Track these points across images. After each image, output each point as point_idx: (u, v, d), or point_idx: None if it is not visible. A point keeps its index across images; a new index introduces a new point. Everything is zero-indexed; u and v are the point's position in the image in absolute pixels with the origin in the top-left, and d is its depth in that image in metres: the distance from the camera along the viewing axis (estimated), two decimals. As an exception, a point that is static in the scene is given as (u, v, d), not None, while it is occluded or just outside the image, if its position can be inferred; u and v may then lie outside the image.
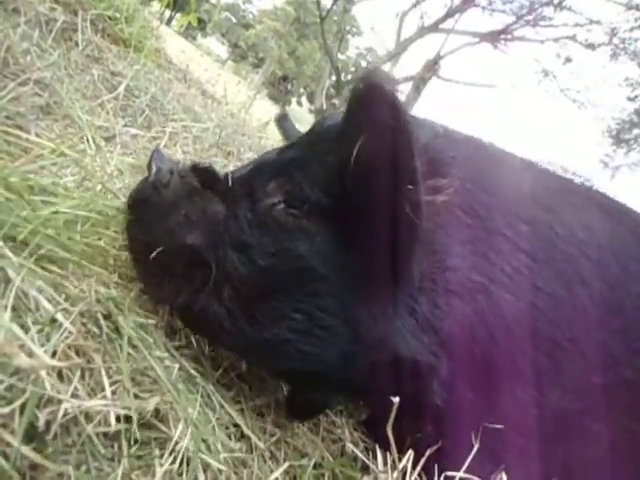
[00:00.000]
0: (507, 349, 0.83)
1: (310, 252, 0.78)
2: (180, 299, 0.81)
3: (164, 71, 2.10)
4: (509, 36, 10.64)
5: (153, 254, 0.80)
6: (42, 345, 0.57)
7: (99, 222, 0.88)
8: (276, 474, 0.75)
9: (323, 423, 0.99)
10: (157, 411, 0.66)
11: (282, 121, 1.27)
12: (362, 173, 0.72)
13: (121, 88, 1.50)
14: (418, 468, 0.74)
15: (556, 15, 10.14)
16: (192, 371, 0.81)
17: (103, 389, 0.60)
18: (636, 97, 11.12)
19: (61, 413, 0.53)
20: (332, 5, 10.20)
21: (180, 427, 0.66)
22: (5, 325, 0.54)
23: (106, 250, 0.86)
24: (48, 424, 0.52)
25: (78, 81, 1.38)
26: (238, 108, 2.57)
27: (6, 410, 0.49)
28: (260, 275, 0.79)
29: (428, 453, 0.77)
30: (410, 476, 0.72)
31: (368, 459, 0.80)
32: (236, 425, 0.81)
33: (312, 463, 0.85)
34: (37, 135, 1.01)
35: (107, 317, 0.72)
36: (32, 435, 0.51)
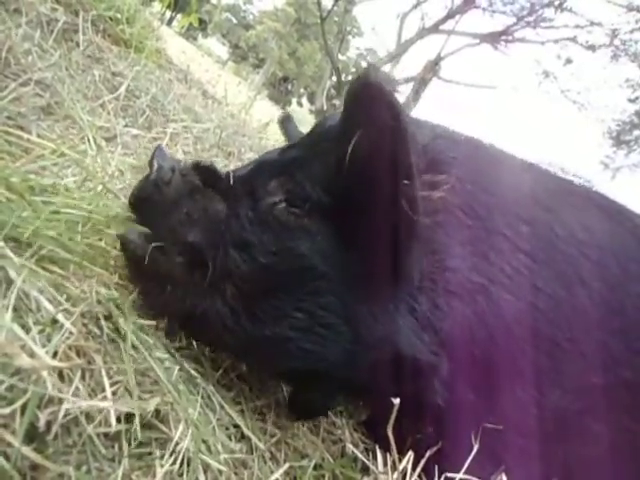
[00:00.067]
0: (507, 349, 0.83)
1: (311, 251, 0.78)
2: (184, 304, 0.80)
3: (165, 72, 2.11)
4: (510, 37, 10.64)
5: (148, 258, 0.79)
6: (43, 346, 0.57)
7: (100, 222, 0.88)
8: (276, 475, 0.75)
9: (323, 424, 0.99)
10: (157, 412, 0.66)
11: (285, 122, 1.28)
12: (359, 169, 0.73)
13: (122, 89, 1.50)
14: (418, 469, 0.74)
15: (557, 16, 10.15)
16: (192, 372, 0.81)
17: (104, 390, 0.60)
18: (637, 98, 11.12)
19: (62, 413, 0.53)
20: (333, 6, 10.21)
21: (180, 428, 0.66)
22: (6, 325, 0.54)
23: (107, 251, 0.86)
24: (49, 424, 0.52)
25: (79, 81, 1.38)
26: (239, 109, 2.57)
27: (7, 410, 0.49)
28: (261, 273, 0.79)
29: (428, 454, 0.77)
30: (410, 477, 0.72)
31: (368, 460, 0.80)
32: (236, 426, 0.81)
33: (312, 464, 0.85)
34: (38, 135, 1.01)
35: (108, 318, 0.72)
36: (33, 435, 0.51)
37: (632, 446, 0.88)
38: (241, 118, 2.45)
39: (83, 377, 0.60)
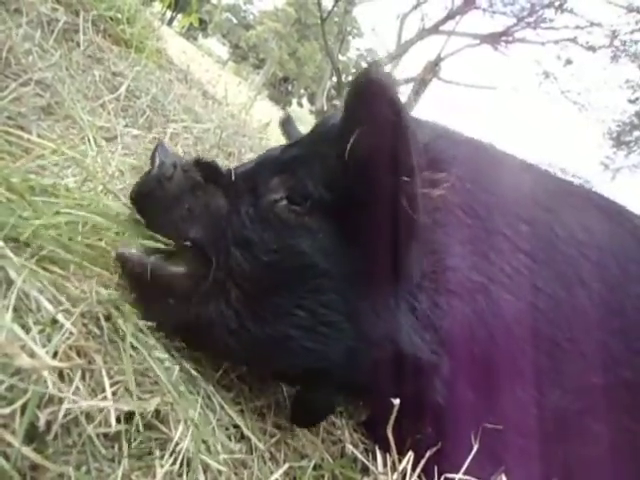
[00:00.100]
0: (506, 349, 0.83)
1: (312, 248, 0.78)
2: (188, 315, 0.80)
3: (165, 72, 2.11)
4: (510, 38, 10.65)
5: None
6: (43, 346, 0.57)
7: (100, 223, 0.88)
8: (276, 475, 0.76)
9: (323, 424, 0.99)
10: (157, 412, 0.66)
11: (286, 124, 1.28)
12: (359, 166, 0.73)
13: (122, 89, 1.50)
14: (418, 469, 0.74)
15: (557, 17, 10.16)
16: (192, 372, 0.81)
17: (104, 390, 0.61)
18: (637, 99, 11.13)
19: (62, 413, 0.53)
20: (333, 6, 10.21)
21: (180, 428, 0.66)
22: (6, 325, 0.54)
23: (107, 251, 0.86)
24: (49, 424, 0.52)
25: (79, 82, 1.38)
26: (239, 109, 2.57)
27: (7, 410, 0.49)
28: (263, 271, 0.79)
29: (428, 455, 0.77)
30: (410, 477, 0.72)
31: (368, 460, 0.80)
32: (236, 426, 0.81)
33: (312, 464, 0.85)
34: (38, 135, 1.01)
35: (108, 318, 0.72)
36: (33, 435, 0.51)
37: (632, 446, 0.88)
38: (241, 118, 2.45)
39: (83, 377, 0.60)
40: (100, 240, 0.86)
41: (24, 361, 0.50)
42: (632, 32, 9.63)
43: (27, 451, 0.49)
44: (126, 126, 1.40)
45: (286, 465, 0.79)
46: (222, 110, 2.32)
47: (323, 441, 0.95)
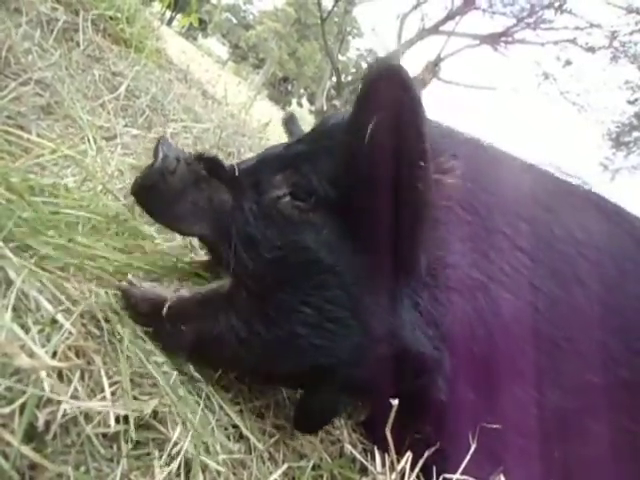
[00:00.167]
0: (505, 348, 0.84)
1: (317, 244, 0.78)
2: (200, 334, 0.80)
3: (165, 71, 2.11)
4: (509, 38, 10.66)
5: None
6: (43, 346, 0.57)
7: (100, 223, 0.88)
8: (275, 475, 0.75)
9: (322, 424, 0.99)
10: (156, 412, 0.66)
11: (289, 122, 1.28)
12: (376, 152, 0.72)
13: (122, 88, 1.50)
14: (416, 469, 0.74)
15: (557, 18, 10.18)
16: (191, 372, 0.81)
17: (103, 390, 0.61)
18: (636, 100, 11.14)
19: (60, 413, 0.53)
20: (333, 6, 10.22)
21: (179, 428, 0.66)
22: (6, 325, 0.54)
23: (107, 251, 0.86)
24: (48, 424, 0.52)
25: (79, 81, 1.38)
26: (238, 109, 2.58)
27: (6, 410, 0.49)
28: (266, 268, 0.79)
29: (427, 454, 0.77)
30: (408, 477, 0.72)
31: (367, 460, 0.80)
32: (235, 426, 0.81)
33: (311, 464, 0.85)
34: (38, 135, 1.01)
35: (107, 319, 0.72)
36: (32, 435, 0.51)
37: (631, 447, 0.88)
38: (241, 118, 2.45)
39: (82, 377, 0.60)
40: (100, 240, 0.86)
41: (23, 361, 0.50)
42: (631, 33, 9.65)
43: (26, 450, 0.49)
44: (126, 126, 1.40)
45: (285, 465, 0.79)
46: (222, 110, 2.33)
47: (322, 441, 0.95)
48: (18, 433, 0.48)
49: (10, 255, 0.63)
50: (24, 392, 0.51)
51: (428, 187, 0.72)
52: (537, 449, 0.85)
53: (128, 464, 0.58)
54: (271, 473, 0.77)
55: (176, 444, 0.65)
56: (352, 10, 13.81)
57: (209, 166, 0.87)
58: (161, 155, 0.85)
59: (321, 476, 0.85)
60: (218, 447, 0.71)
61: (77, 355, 0.62)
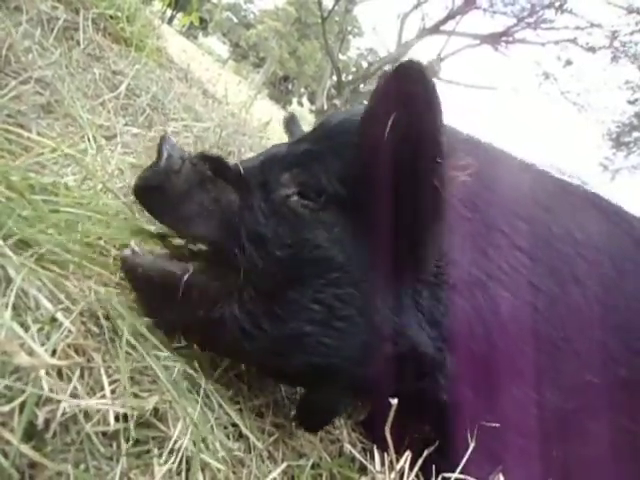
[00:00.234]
0: (503, 347, 0.84)
1: (328, 241, 0.78)
2: (198, 314, 0.79)
3: (165, 70, 2.11)
4: (510, 38, 10.65)
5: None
6: (42, 344, 0.57)
7: (100, 221, 0.88)
8: (274, 474, 0.76)
9: (321, 423, 0.99)
10: (156, 410, 0.66)
11: (290, 123, 1.27)
12: (392, 148, 0.72)
13: (122, 87, 1.50)
14: (415, 469, 0.74)
15: (557, 18, 10.16)
16: (191, 371, 0.81)
17: (102, 388, 0.61)
18: (636, 100, 11.13)
19: (60, 412, 0.53)
20: (334, 5, 10.22)
21: (179, 426, 0.66)
22: (6, 324, 0.54)
23: (107, 250, 0.86)
24: (47, 423, 0.52)
25: (79, 80, 1.38)
26: (239, 108, 2.58)
27: (6, 408, 0.49)
28: (277, 266, 0.78)
29: (426, 454, 0.77)
30: (407, 477, 0.72)
31: (366, 460, 0.80)
32: (235, 425, 0.81)
33: (310, 463, 0.85)
34: (38, 134, 1.01)
35: (107, 317, 0.72)
36: (31, 433, 0.51)
37: (631, 447, 0.88)
38: (241, 117, 2.45)
39: (82, 375, 0.60)
40: (99, 239, 0.86)
41: (23, 359, 0.50)
42: (632, 33, 9.63)
43: (25, 449, 0.49)
44: (126, 125, 1.40)
45: (284, 464, 0.79)
46: (222, 109, 2.33)
47: (321, 440, 0.95)
48: (18, 431, 0.48)
49: (10, 253, 0.63)
50: (24, 390, 0.51)
51: (444, 184, 0.73)
52: (536, 449, 0.85)
53: (128, 462, 0.58)
54: (270, 472, 0.77)
55: (176, 442, 0.65)
56: (353, 9, 13.78)
57: (214, 166, 0.87)
58: (165, 154, 0.84)
59: (320, 475, 0.85)
60: (218, 445, 0.72)
61: (77, 353, 0.62)
